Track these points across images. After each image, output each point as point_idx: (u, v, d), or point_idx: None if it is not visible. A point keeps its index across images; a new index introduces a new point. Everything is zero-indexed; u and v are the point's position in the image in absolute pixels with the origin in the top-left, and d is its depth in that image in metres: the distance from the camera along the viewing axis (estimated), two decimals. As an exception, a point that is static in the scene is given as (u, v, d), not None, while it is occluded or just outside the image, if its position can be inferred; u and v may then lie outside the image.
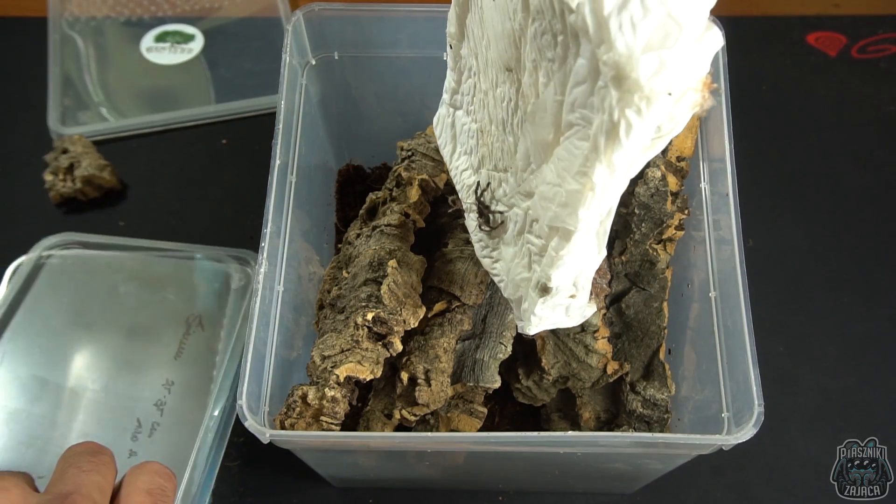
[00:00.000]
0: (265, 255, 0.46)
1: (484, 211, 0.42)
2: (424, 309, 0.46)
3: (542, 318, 0.39)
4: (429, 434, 0.49)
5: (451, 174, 0.45)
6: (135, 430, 0.56)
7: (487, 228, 0.42)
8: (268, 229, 0.46)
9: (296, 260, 0.51)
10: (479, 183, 0.42)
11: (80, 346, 0.60)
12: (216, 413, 0.56)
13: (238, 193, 0.71)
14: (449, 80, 0.43)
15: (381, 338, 0.44)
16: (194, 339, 0.61)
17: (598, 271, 0.40)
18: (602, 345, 0.50)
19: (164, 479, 0.40)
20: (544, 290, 0.36)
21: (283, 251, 0.49)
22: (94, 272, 0.64)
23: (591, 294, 0.39)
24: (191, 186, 0.73)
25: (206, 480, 0.55)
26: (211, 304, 0.62)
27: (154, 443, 0.55)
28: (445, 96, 0.44)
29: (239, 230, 0.67)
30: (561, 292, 0.37)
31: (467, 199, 0.44)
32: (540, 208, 0.34)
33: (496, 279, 0.42)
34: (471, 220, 0.44)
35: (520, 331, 0.41)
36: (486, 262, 0.43)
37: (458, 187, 0.45)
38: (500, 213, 0.40)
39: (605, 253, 0.35)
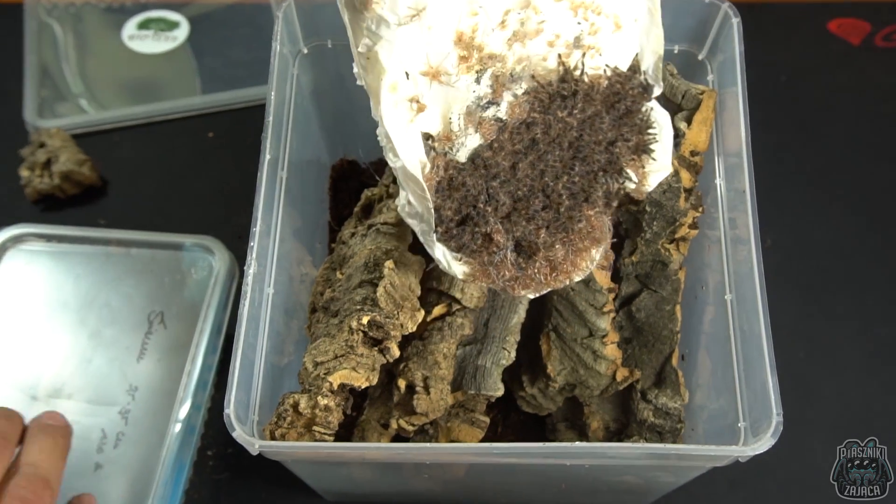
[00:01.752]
0: (254, 255, 0.46)
1: None
2: (423, 312, 0.46)
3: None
4: (427, 445, 0.49)
5: None
6: (100, 441, 0.56)
7: None
8: (257, 228, 0.46)
9: (287, 260, 0.51)
10: None
11: (44, 350, 0.60)
12: (181, 419, 0.56)
13: (226, 190, 0.71)
14: None
15: (376, 343, 0.44)
16: (156, 338, 0.60)
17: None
18: (611, 350, 0.50)
19: (38, 486, 0.41)
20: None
21: (273, 251, 0.49)
22: (50, 268, 0.63)
23: (457, 251, 0.41)
24: (175, 182, 0.72)
25: (173, 490, 0.55)
26: (172, 299, 0.62)
27: (120, 454, 0.55)
28: None
29: (227, 228, 0.67)
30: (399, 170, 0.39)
31: None
32: None
33: None
34: None
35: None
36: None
37: None
38: None
39: (407, 165, 0.38)
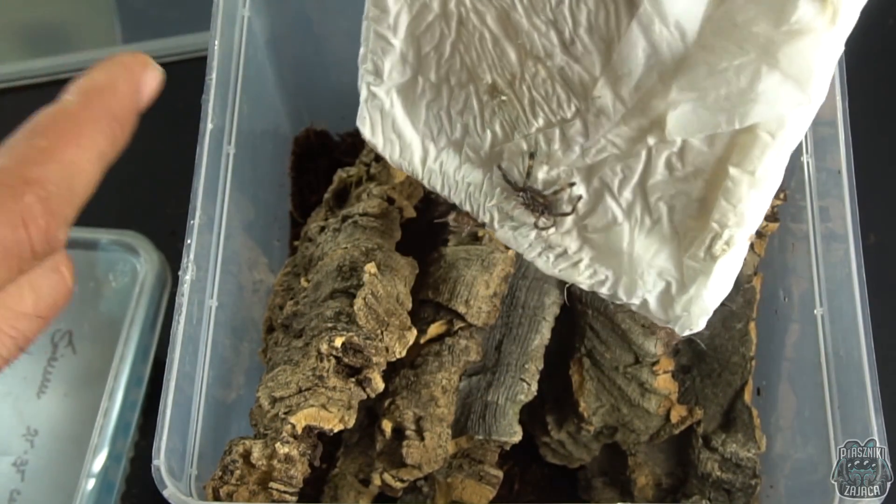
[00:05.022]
0: (192, 256, 0.46)
1: (539, 200, 0.41)
2: (415, 332, 0.46)
3: (719, 292, 0.40)
4: (421, 507, 0.49)
5: (427, 181, 0.45)
6: None
7: (551, 220, 0.42)
8: (195, 221, 0.46)
9: (235, 263, 0.51)
10: (510, 166, 0.42)
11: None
12: (95, 473, 0.56)
13: (154, 171, 0.71)
14: (373, 42, 0.42)
15: (354, 372, 0.45)
16: (63, 366, 0.60)
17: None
18: (664, 382, 0.50)
19: (32, 317, 0.34)
20: (727, 242, 0.38)
21: (217, 251, 0.49)
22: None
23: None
24: (88, 160, 0.72)
25: None
26: (83, 314, 0.62)
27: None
28: (367, 69, 0.43)
29: (155, 221, 0.67)
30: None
31: (479, 205, 0.44)
32: (700, 121, 0.36)
33: (603, 287, 0.42)
34: (507, 231, 0.43)
35: (679, 333, 0.41)
36: (573, 275, 0.43)
37: (449, 196, 0.44)
38: (571, 184, 0.40)
39: None
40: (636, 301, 0.42)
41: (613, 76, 0.36)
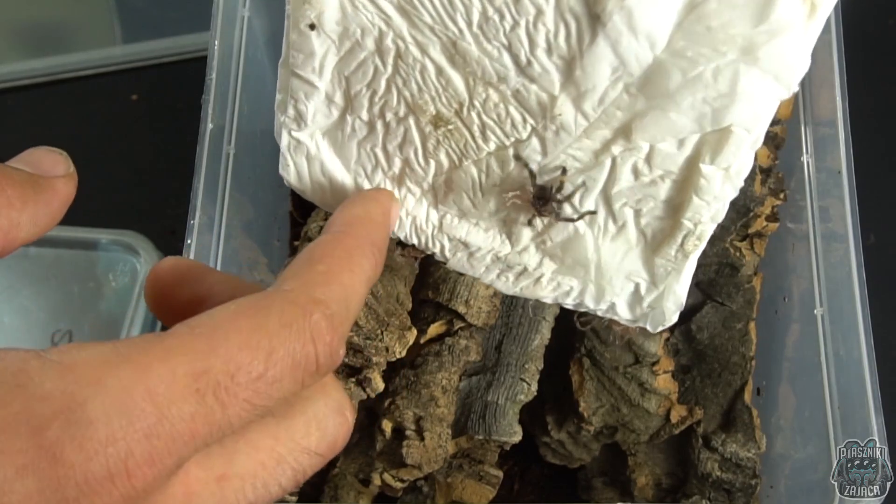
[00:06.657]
0: (192, 256, 0.46)
1: (552, 203, 0.40)
2: (415, 332, 0.46)
3: (688, 283, 0.40)
4: (421, 507, 0.49)
5: None
6: None
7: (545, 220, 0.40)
8: (195, 221, 0.46)
9: (235, 264, 0.51)
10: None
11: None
12: None
13: (154, 170, 0.71)
14: (294, 88, 0.39)
15: (354, 372, 0.45)
16: None
17: None
18: (664, 382, 0.50)
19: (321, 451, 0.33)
20: (699, 237, 0.38)
21: (217, 251, 0.49)
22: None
23: None
24: (88, 160, 0.72)
25: None
26: (84, 313, 0.62)
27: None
28: (288, 116, 0.40)
29: (155, 221, 0.67)
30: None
31: (426, 236, 0.42)
32: (673, 126, 0.35)
33: (568, 298, 0.42)
34: (462, 258, 0.42)
35: (652, 330, 0.41)
36: (535, 291, 0.42)
37: (392, 232, 0.42)
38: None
39: None
40: (603, 307, 0.41)
41: (575, 92, 0.35)
